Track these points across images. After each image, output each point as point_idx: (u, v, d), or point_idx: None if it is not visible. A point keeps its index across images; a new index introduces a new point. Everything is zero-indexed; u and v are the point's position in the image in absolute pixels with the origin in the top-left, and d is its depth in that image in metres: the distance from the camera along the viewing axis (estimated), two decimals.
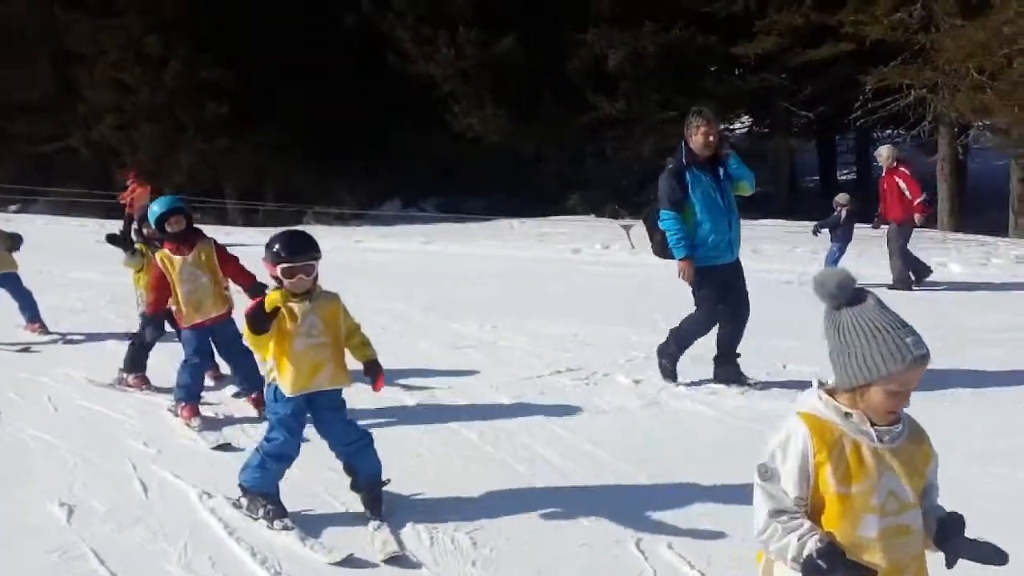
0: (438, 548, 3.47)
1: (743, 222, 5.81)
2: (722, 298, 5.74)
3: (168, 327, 5.93)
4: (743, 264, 5.99)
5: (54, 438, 4.81)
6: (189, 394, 5.08)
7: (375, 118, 20.96)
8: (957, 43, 15.32)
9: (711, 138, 5.55)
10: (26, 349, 6.97)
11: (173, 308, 5.16)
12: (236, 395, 5.46)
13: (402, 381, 5.81)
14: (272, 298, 3.53)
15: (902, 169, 9.97)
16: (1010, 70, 15.14)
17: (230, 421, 5.13)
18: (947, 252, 12.93)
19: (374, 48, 20.62)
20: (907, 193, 9.80)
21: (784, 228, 15.55)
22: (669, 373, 5.91)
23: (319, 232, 16.79)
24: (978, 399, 5.46)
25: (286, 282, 3.52)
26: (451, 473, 4.27)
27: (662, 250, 5.85)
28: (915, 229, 10.22)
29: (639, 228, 12.13)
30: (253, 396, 5.21)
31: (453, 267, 11.90)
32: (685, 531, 3.60)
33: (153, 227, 5.22)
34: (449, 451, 4.60)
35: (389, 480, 3.84)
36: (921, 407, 5.42)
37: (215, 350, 5.35)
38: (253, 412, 5.17)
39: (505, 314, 8.31)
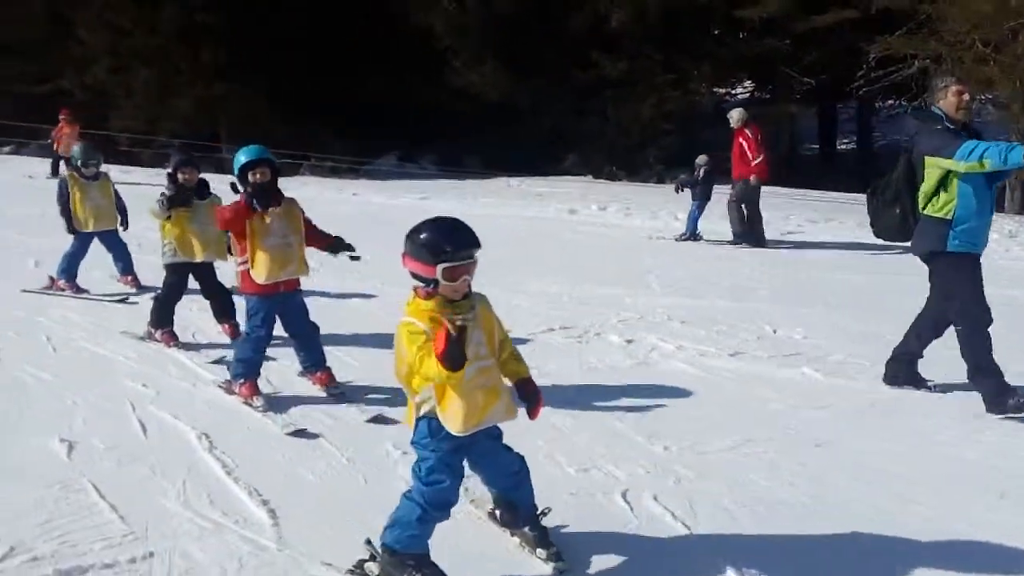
0: None
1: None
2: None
3: (192, 281, 5.77)
4: None
5: (53, 377, 4.87)
6: (249, 369, 4.55)
7: (374, 70, 20.74)
8: (963, 13, 15.21)
9: (965, 97, 4.68)
10: (124, 300, 6.83)
11: (240, 268, 4.61)
12: (301, 374, 4.90)
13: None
14: (420, 309, 2.71)
15: (746, 131, 10.59)
16: (1015, 43, 15.06)
17: (296, 400, 4.61)
18: None
19: None
20: (748, 154, 10.47)
21: (782, 195, 15.56)
22: (1001, 406, 4.57)
23: (314, 184, 16.77)
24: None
25: (445, 285, 2.72)
26: None
27: (897, 231, 4.91)
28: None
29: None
30: (318, 374, 4.75)
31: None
32: (670, 484, 3.70)
33: (235, 175, 4.62)
34: None
35: (549, 510, 3.22)
36: (869, 370, 5.47)
37: (281, 323, 4.72)
38: (315, 391, 4.75)
39: (501, 272, 8.34)
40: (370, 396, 4.72)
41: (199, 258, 5.61)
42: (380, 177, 19.91)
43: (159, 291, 5.79)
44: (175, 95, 20.86)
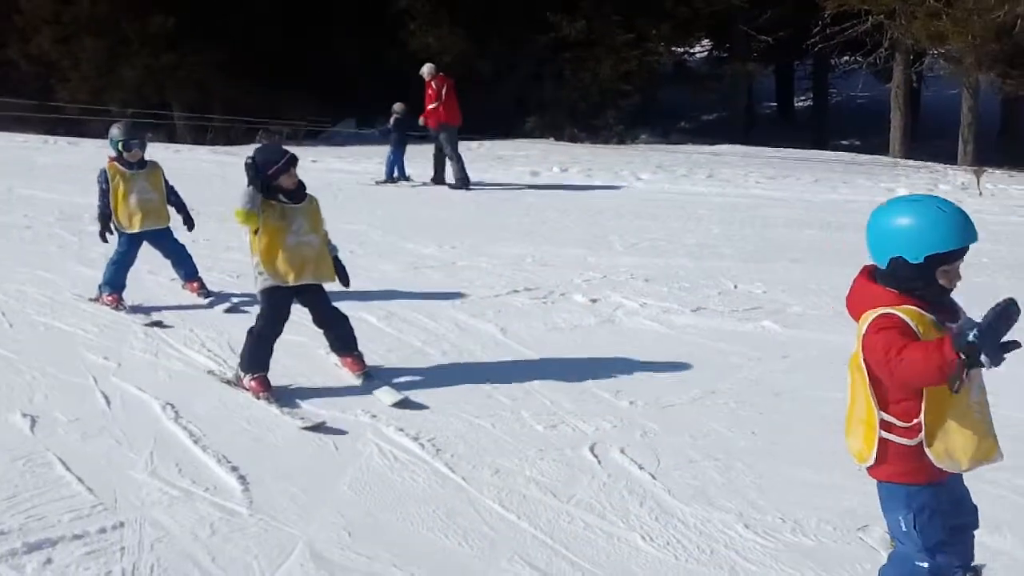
0: (406, 455, 3.60)
1: (699, 147, 5.69)
2: None
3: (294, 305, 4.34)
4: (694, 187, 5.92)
5: (10, 352, 4.78)
6: None
7: (327, 34, 20.34)
8: None
9: None
10: (158, 324, 5.34)
11: None
12: None
13: (365, 300, 5.86)
14: None
15: (433, 83, 11.58)
16: None
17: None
18: (897, 178, 13.22)
19: None
20: (440, 100, 11.43)
21: (740, 152, 15.68)
22: None
23: None
24: None
25: None
26: (415, 388, 4.38)
27: None
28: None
29: (992, 173, 11.84)
30: None
31: (411, 189, 11.83)
32: (637, 437, 3.78)
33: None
34: (413, 368, 4.69)
35: None
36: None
37: None
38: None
39: (464, 235, 8.35)
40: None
41: (293, 280, 4.18)
42: (339, 143, 19.62)
43: (253, 324, 4.33)
44: (123, 65, 20.26)
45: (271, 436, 3.78)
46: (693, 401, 4.22)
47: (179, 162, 13.94)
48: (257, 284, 4.27)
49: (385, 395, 4.16)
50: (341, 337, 4.45)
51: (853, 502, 3.22)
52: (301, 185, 4.32)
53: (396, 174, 12.13)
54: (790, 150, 16.63)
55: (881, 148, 18.44)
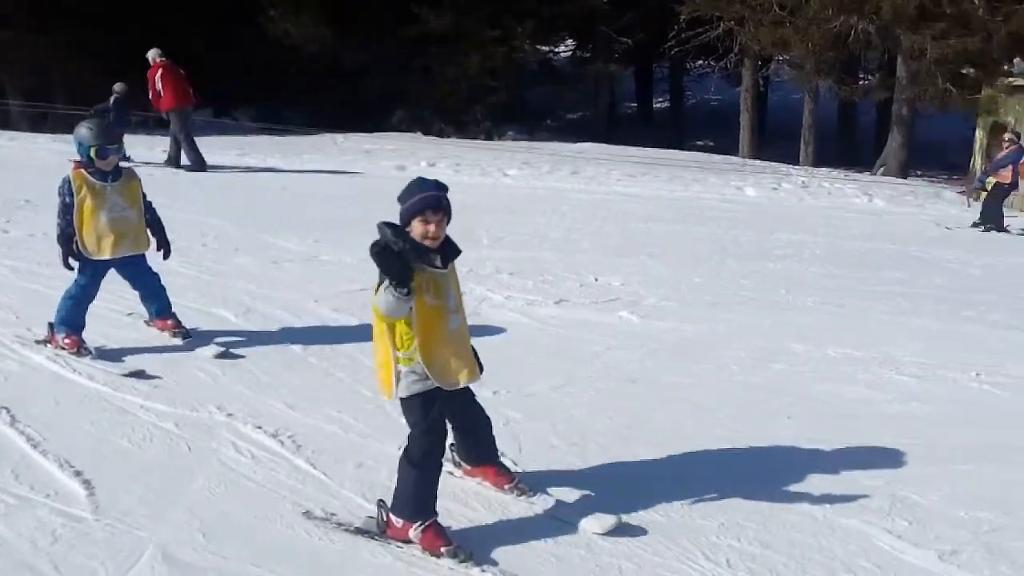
0: (265, 453, 3.52)
1: (563, 145, 5.86)
2: None
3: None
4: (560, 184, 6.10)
5: None
6: None
7: (179, 17, 19.37)
8: None
9: None
10: (138, 374, 4.31)
11: None
12: None
13: (222, 296, 5.67)
14: None
15: (157, 67, 11.81)
16: (807, 7, 16.36)
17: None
18: (744, 177, 14.01)
19: None
20: (159, 86, 11.76)
21: (602, 151, 16.16)
22: None
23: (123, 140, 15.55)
24: (755, 305, 6.12)
25: None
26: (275, 383, 4.28)
27: None
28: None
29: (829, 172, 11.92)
30: None
31: (272, 181, 11.49)
32: (500, 426, 3.82)
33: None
34: (272, 363, 4.58)
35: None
36: (705, 310, 6.03)
37: None
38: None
39: (327, 229, 8.20)
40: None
41: (466, 379, 3.04)
42: (193, 132, 18.75)
43: (407, 448, 3.02)
44: None
45: (117, 437, 3.60)
46: (554, 389, 4.35)
47: (16, 151, 12.98)
48: (400, 388, 2.94)
49: (594, 523, 3.05)
50: (484, 444, 3.39)
51: (698, 479, 3.42)
52: (447, 242, 3.13)
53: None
54: (649, 149, 17.30)
55: (732, 148, 19.50)
